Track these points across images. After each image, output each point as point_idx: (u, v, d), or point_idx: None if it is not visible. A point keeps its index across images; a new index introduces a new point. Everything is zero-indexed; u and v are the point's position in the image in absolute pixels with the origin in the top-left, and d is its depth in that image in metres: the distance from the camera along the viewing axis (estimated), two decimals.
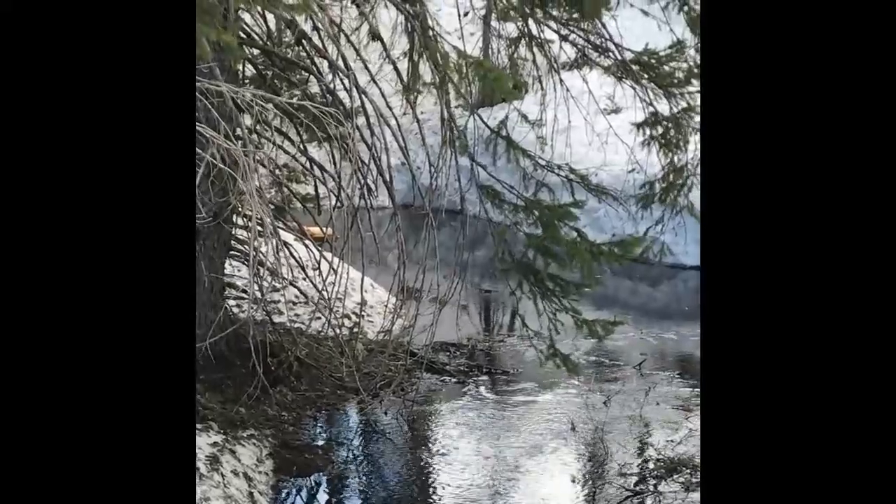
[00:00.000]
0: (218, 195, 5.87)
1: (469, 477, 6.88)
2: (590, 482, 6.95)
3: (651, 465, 6.91)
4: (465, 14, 7.18)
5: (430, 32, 7.09)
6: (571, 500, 6.68)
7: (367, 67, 7.36)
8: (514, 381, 8.24)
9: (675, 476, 6.70)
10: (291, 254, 7.64)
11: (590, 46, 7.17)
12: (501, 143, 7.35)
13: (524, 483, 6.86)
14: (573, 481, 6.84)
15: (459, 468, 7.02)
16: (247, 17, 7.06)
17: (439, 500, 6.73)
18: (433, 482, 6.88)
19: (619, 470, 6.94)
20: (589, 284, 7.07)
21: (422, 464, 7.13)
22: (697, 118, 7.57)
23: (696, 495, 6.45)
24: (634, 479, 6.83)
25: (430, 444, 7.37)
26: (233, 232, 7.34)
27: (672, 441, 7.13)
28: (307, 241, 7.86)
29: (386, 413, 7.64)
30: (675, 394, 8.10)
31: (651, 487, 6.66)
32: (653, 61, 7.17)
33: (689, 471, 6.74)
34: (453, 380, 8.25)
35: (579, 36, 7.19)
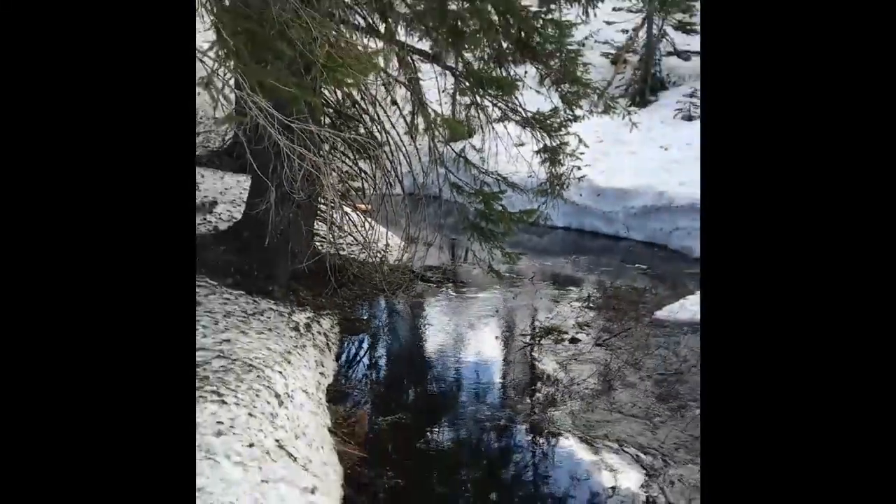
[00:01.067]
0: (310, 186, 6.38)
1: (443, 334, 7.38)
2: (505, 339, 7.40)
3: (537, 329, 7.46)
4: (442, 91, 7.99)
5: (423, 101, 7.49)
6: (496, 347, 7.21)
7: (389, 119, 7.79)
8: (467, 286, 8.68)
9: (548, 335, 7.24)
10: (350, 218, 8.15)
11: (508, 109, 7.53)
12: (462, 161, 7.74)
13: (470, 337, 7.38)
14: (496, 338, 7.44)
15: (437, 329, 7.50)
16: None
17: (425, 340, 7.28)
18: (423, 336, 7.43)
19: (520, 332, 7.53)
20: (508, 234, 7.57)
21: (417, 328, 7.65)
22: (569, 148, 7.92)
23: (562, 346, 7.03)
24: (528, 336, 7.38)
25: (423, 318, 7.85)
26: (318, 205, 7.61)
27: (548, 318, 7.75)
28: (358, 212, 8.20)
29: (399, 303, 8.08)
30: (549, 294, 8.63)
31: (536, 341, 7.19)
32: (541, 118, 7.66)
33: (556, 333, 7.25)
34: (435, 286, 8.66)
35: (503, 104, 7.54)
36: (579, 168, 8.21)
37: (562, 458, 5.15)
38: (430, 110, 7.61)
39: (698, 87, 14.50)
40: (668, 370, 6.34)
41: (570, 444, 5.25)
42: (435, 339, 7.36)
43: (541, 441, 5.42)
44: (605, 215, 11.30)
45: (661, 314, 7.61)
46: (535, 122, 7.75)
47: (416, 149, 8.02)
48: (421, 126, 7.77)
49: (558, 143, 7.89)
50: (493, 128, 8.07)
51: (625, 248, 10.81)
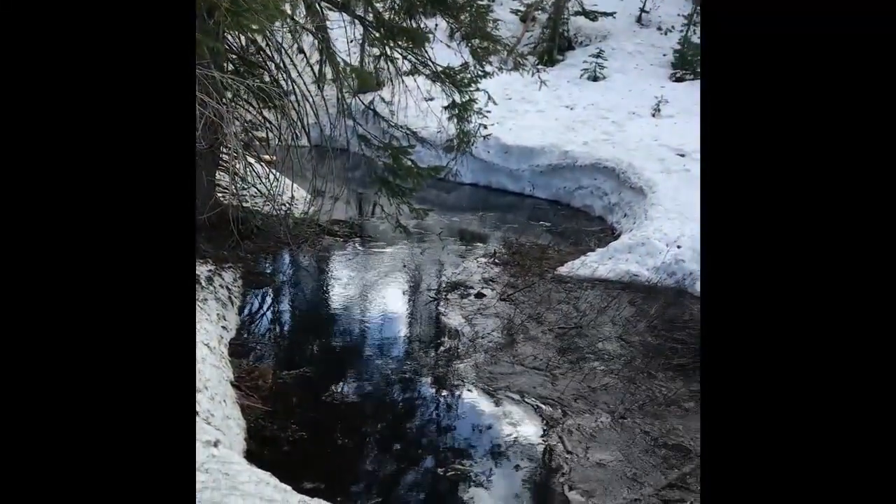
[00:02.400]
0: (212, 135, 6.26)
1: (349, 288, 7.34)
2: (412, 293, 7.44)
3: (444, 284, 7.58)
4: (351, 41, 7.85)
5: (331, 50, 7.43)
6: (402, 302, 7.23)
7: (295, 68, 7.60)
8: (374, 241, 8.65)
9: (455, 290, 7.33)
10: (254, 169, 7.76)
11: (418, 62, 7.56)
12: (370, 113, 7.75)
13: (377, 291, 7.35)
14: (403, 292, 7.48)
15: (343, 283, 7.45)
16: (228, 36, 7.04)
17: (331, 294, 7.17)
18: (329, 290, 7.35)
19: (426, 287, 7.59)
20: (416, 190, 7.62)
21: (323, 283, 7.59)
22: (478, 105, 7.94)
23: (468, 301, 7.08)
24: (434, 291, 7.47)
25: (328, 273, 7.78)
26: (220, 155, 7.46)
27: (455, 273, 7.85)
28: (262, 163, 7.97)
29: (304, 256, 7.98)
30: (456, 249, 8.69)
31: (443, 296, 7.28)
32: (451, 73, 7.67)
33: (462, 288, 7.34)
34: (341, 240, 8.59)
35: (413, 56, 7.54)
36: (485, 127, 8.26)
37: (465, 409, 5.26)
38: (338, 60, 7.51)
39: (604, 47, 14.78)
40: (568, 324, 6.54)
41: (473, 396, 5.37)
42: (341, 293, 7.34)
43: (445, 393, 5.51)
44: (512, 173, 11.45)
45: (562, 270, 7.81)
46: (446, 77, 7.74)
47: (324, 99, 7.88)
48: (329, 76, 7.67)
49: (468, 98, 7.91)
50: (402, 80, 8.01)
51: (530, 205, 11.00)
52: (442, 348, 6.20)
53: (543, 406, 5.18)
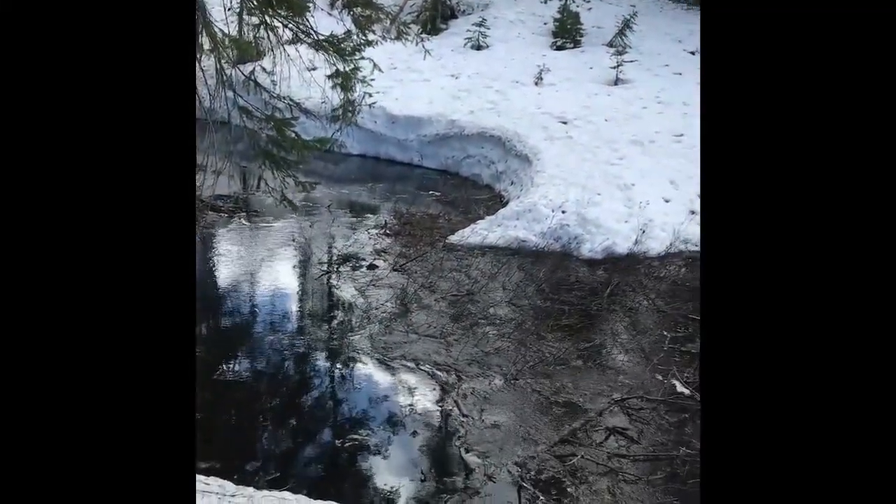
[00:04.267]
0: None
1: (237, 265, 7.24)
2: (302, 267, 7.41)
3: (335, 257, 7.54)
4: (228, 10, 7.57)
5: (207, 20, 7.08)
6: (292, 277, 7.22)
7: None
8: (260, 215, 8.52)
9: (346, 263, 7.31)
10: None
11: (299, 31, 7.33)
12: (251, 84, 7.42)
13: (266, 267, 7.27)
14: (293, 267, 7.43)
15: (230, 260, 7.34)
16: None
17: (218, 272, 7.05)
18: (216, 267, 7.23)
19: (317, 260, 7.53)
20: (301, 162, 7.38)
21: (209, 260, 7.41)
22: (362, 73, 7.70)
23: (360, 273, 7.07)
24: (325, 265, 7.41)
25: (214, 249, 7.64)
26: None
27: (346, 245, 7.80)
28: None
29: None
30: (346, 221, 8.67)
31: (335, 269, 7.23)
32: (334, 42, 7.38)
33: (354, 260, 7.32)
34: (226, 216, 8.46)
35: (293, 25, 7.30)
36: (371, 95, 8.18)
37: (360, 380, 5.28)
38: (215, 29, 7.25)
39: (486, 16, 14.88)
40: (460, 291, 6.64)
41: (368, 367, 5.40)
42: (228, 270, 7.21)
43: (339, 366, 5.52)
44: (400, 143, 11.42)
45: (453, 239, 7.90)
46: (328, 46, 7.53)
47: (202, 70, 7.50)
48: (206, 46, 7.37)
49: (352, 67, 7.72)
50: (283, 50, 7.76)
51: (419, 175, 11.02)
52: (335, 321, 6.19)
53: (438, 372, 5.26)
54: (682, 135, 10.03)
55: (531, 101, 11.44)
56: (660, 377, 5.29)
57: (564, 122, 10.52)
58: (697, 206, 8.23)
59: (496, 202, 9.38)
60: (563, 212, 7.88)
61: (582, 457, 4.31)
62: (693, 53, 13.75)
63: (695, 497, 4.03)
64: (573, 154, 9.31)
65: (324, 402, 5.10)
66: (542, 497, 4.01)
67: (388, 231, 8.35)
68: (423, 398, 5.00)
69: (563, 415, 4.77)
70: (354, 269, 7.22)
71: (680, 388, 5.14)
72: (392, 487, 4.11)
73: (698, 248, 7.43)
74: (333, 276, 7.10)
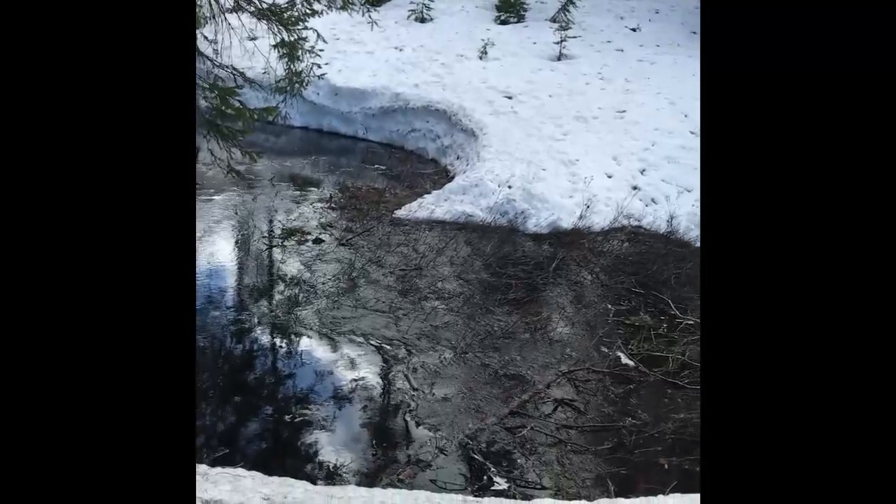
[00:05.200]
0: None
1: None
2: (247, 241, 7.29)
3: (278, 231, 7.42)
4: None
5: None
6: (237, 250, 7.05)
7: None
8: (202, 188, 8.23)
9: (291, 237, 7.20)
10: None
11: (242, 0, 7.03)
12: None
13: (209, 241, 7.11)
14: (236, 242, 7.28)
15: None
16: None
17: None
18: None
19: (261, 234, 7.46)
20: (246, 132, 7.13)
21: None
22: (308, 44, 7.52)
23: (306, 247, 6.96)
24: (270, 239, 7.32)
25: None
26: None
27: (290, 219, 7.71)
28: None
29: None
30: (290, 195, 8.58)
31: (280, 243, 7.13)
32: (277, 11, 7.22)
33: (299, 234, 7.21)
34: None
35: None
36: (319, 66, 8.01)
37: (308, 356, 5.23)
38: None
39: None
40: (408, 266, 6.62)
41: (315, 342, 5.35)
42: None
43: (286, 341, 5.44)
44: (344, 116, 11.27)
45: (400, 213, 7.86)
46: (271, 15, 7.35)
47: None
48: None
49: (296, 38, 7.55)
50: (225, 18, 7.53)
51: (364, 148, 10.91)
52: (281, 296, 6.12)
53: (388, 347, 5.26)
54: (624, 111, 10.16)
55: (476, 75, 11.41)
56: (605, 349, 5.40)
57: (509, 97, 10.53)
58: (639, 182, 8.38)
59: (442, 176, 9.36)
60: (510, 187, 7.92)
61: (531, 428, 4.37)
62: (635, 30, 13.91)
63: (640, 465, 4.15)
64: (518, 129, 9.34)
65: (269, 378, 5.03)
66: (492, 468, 4.05)
67: (333, 205, 8.27)
68: (373, 373, 4.99)
69: (511, 387, 4.83)
70: (300, 242, 7.13)
71: (625, 359, 5.26)
72: (343, 462, 4.09)
73: (640, 223, 7.60)
74: (278, 250, 7.01)
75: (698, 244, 7.34)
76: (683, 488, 3.72)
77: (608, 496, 3.62)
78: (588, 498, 3.51)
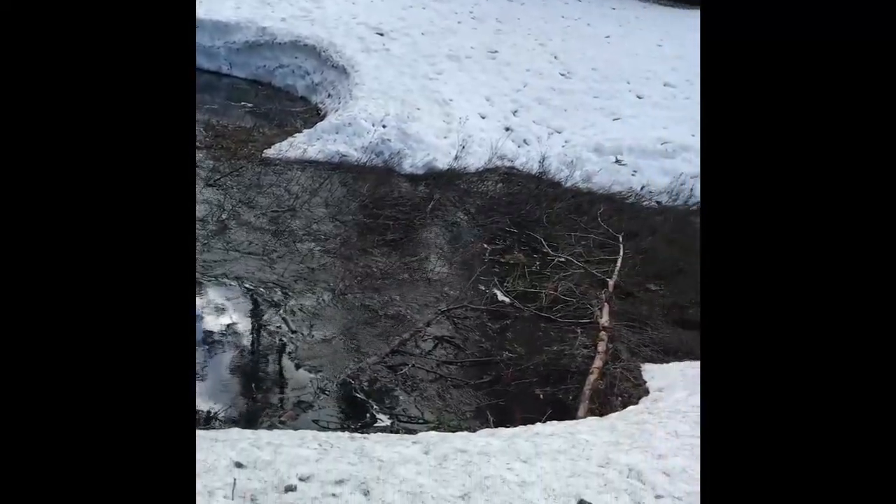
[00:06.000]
0: None
1: None
2: None
3: None
4: None
5: None
6: None
7: None
8: None
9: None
10: None
11: None
12: None
13: None
14: None
15: None
16: None
17: None
18: None
19: None
20: None
21: None
22: None
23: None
24: None
25: None
26: None
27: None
28: None
29: None
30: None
31: None
32: None
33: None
34: None
35: None
36: None
37: None
38: None
39: None
40: (281, 207, 6.47)
41: None
42: None
43: None
44: (206, 50, 10.68)
45: (270, 153, 7.62)
46: None
47: None
48: None
49: None
50: None
51: (229, 85, 10.44)
52: None
53: (263, 290, 5.14)
54: (496, 51, 10.24)
55: (345, 10, 11.11)
56: (482, 287, 5.53)
57: (381, 34, 10.34)
58: (512, 123, 8.51)
59: (313, 115, 9.13)
60: (384, 126, 7.84)
61: (412, 366, 4.44)
62: None
63: (517, 396, 4.32)
64: (391, 67, 9.22)
65: None
66: (375, 406, 4.09)
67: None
68: (249, 316, 4.87)
69: (392, 327, 4.86)
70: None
71: (501, 296, 5.42)
72: (218, 408, 4.00)
73: (513, 164, 7.76)
74: None
75: (568, 184, 7.61)
76: (558, 416, 3.93)
77: (488, 427, 3.73)
78: (469, 429, 3.63)
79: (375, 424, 3.94)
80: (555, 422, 3.68)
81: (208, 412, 3.95)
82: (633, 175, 7.72)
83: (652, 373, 4.45)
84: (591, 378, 4.30)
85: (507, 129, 8.34)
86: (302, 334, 4.67)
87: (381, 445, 2.88)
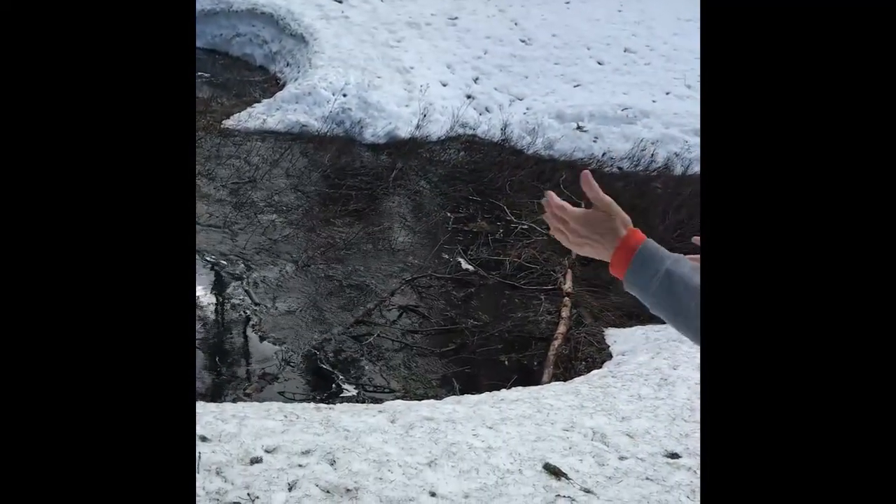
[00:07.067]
0: None
1: None
2: None
3: None
4: None
5: None
6: None
7: None
8: None
9: None
10: None
11: None
12: None
13: None
14: None
15: None
16: None
17: None
18: None
19: None
20: None
21: None
22: None
23: None
24: None
25: None
26: None
27: None
28: None
29: None
30: None
31: None
32: None
33: None
34: None
35: None
36: None
37: None
38: None
39: None
40: (241, 179, 6.37)
41: None
42: None
43: None
44: None
45: (229, 123, 7.49)
46: None
47: None
48: None
49: None
50: None
51: None
52: None
53: (225, 262, 5.07)
54: (456, 18, 10.13)
55: None
56: (446, 256, 5.53)
57: (340, 1, 10.16)
58: (473, 91, 8.46)
59: (272, 85, 8.97)
60: (344, 95, 7.74)
61: (377, 336, 4.44)
62: None
63: (482, 363, 4.35)
64: (351, 35, 9.07)
65: None
66: (340, 376, 4.09)
67: None
68: (211, 289, 4.81)
69: (356, 297, 4.85)
70: None
71: (465, 265, 5.42)
72: None
73: (475, 132, 7.72)
74: None
75: (530, 151, 7.61)
76: (523, 382, 3.97)
77: (454, 394, 3.76)
78: (435, 397, 3.65)
79: (341, 395, 3.94)
80: (520, 387, 3.72)
81: None
82: (594, 142, 7.74)
83: (615, 337, 4.51)
84: (556, 343, 4.34)
85: (469, 97, 8.29)
86: (266, 306, 4.64)
87: (347, 415, 2.88)
